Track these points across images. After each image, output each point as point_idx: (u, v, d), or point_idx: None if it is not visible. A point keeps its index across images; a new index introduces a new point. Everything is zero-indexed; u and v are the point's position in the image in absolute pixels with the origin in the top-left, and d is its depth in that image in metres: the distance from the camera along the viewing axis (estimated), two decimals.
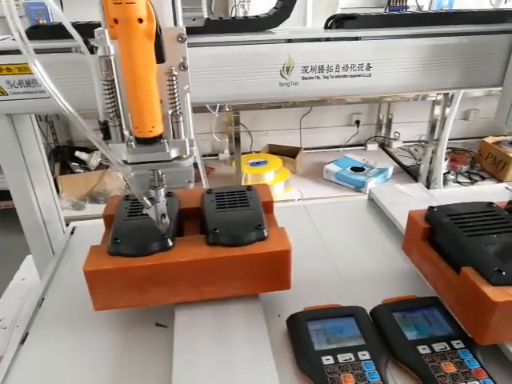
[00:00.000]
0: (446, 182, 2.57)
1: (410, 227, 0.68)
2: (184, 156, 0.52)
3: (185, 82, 0.51)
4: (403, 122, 3.01)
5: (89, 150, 2.58)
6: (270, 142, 3.02)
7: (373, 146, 3.01)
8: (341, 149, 3.05)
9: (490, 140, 2.70)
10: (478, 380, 0.50)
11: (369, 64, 0.65)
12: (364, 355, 0.53)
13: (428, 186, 2.48)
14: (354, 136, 3.06)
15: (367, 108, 3.00)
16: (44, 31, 0.64)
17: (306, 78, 0.65)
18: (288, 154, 2.91)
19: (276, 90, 0.65)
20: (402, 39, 0.65)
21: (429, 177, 2.52)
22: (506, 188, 0.99)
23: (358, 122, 3.01)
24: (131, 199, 0.69)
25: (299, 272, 0.64)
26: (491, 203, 0.65)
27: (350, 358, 0.53)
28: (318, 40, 0.64)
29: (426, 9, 2.31)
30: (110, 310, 0.61)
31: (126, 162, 0.50)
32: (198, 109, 2.31)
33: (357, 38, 0.65)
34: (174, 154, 0.50)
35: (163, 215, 0.57)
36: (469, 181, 2.59)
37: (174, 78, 0.48)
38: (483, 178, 2.60)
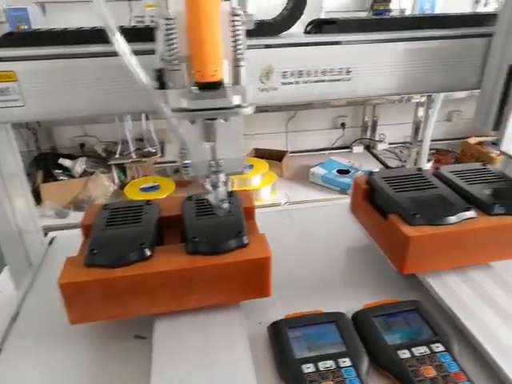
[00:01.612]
0: None
1: (354, 190, 0.80)
2: (244, 104, 0.48)
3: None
4: (388, 123, 3.04)
5: (73, 156, 2.55)
6: (256, 146, 3.02)
7: (358, 149, 3.03)
8: (327, 151, 3.06)
9: (472, 141, 2.74)
10: (457, 383, 0.50)
11: (348, 68, 0.65)
12: (345, 362, 0.53)
13: None
14: (339, 139, 3.08)
15: (352, 111, 3.02)
16: (18, 38, 0.63)
17: (285, 84, 0.64)
18: (274, 157, 2.91)
19: (255, 96, 0.64)
20: (380, 43, 0.65)
21: None
22: None
23: (343, 125, 3.03)
24: (110, 208, 0.68)
25: (281, 278, 0.64)
26: (420, 168, 0.78)
27: (331, 366, 0.52)
28: (297, 45, 0.64)
29: (408, 12, 2.34)
30: (87, 323, 0.59)
31: (185, 110, 0.46)
32: None
33: (336, 43, 0.65)
34: (236, 100, 0.47)
35: (222, 200, 0.56)
36: None
37: (237, 17, 0.45)
38: None
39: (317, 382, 0.50)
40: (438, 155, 2.84)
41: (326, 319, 0.59)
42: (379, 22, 0.69)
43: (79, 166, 2.49)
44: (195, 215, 0.65)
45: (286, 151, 2.99)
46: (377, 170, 2.67)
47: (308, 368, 0.52)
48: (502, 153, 0.67)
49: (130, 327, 0.62)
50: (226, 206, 0.57)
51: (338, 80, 0.65)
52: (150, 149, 2.48)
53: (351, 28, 0.67)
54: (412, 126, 2.52)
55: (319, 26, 0.68)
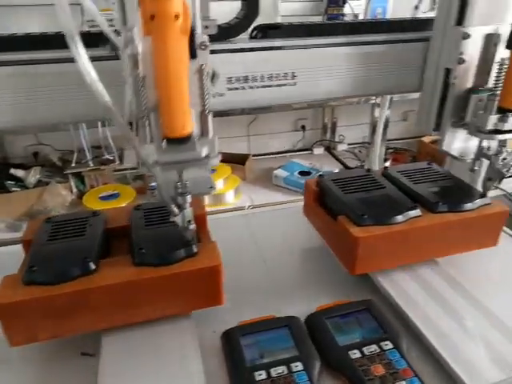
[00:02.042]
0: None
1: (306, 193, 0.81)
2: (212, 155, 0.51)
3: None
4: (347, 125, 3.10)
5: (25, 166, 2.44)
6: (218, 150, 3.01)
7: (319, 150, 3.08)
8: (288, 154, 3.09)
9: (427, 139, 2.84)
10: (404, 380, 0.51)
11: (294, 73, 0.66)
12: (297, 366, 0.53)
13: None
14: (300, 141, 3.11)
15: (312, 113, 3.07)
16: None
17: (231, 89, 0.64)
18: (237, 161, 2.91)
19: None
20: (324, 48, 0.66)
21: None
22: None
23: (303, 127, 3.07)
24: (52, 222, 0.65)
25: (236, 284, 0.63)
26: (369, 169, 0.80)
27: (283, 371, 0.52)
28: (242, 50, 0.64)
29: (361, 16, 2.41)
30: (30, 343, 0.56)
31: (156, 164, 0.49)
32: None
33: (281, 48, 0.65)
34: (204, 152, 0.49)
35: (189, 221, 0.55)
36: None
37: (205, 74, 0.48)
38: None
39: None
40: (395, 154, 2.93)
41: (279, 324, 0.59)
42: (323, 27, 0.71)
43: (33, 176, 2.39)
44: (143, 225, 0.64)
45: (248, 154, 3.00)
46: (337, 170, 2.73)
47: (260, 375, 0.52)
48: (443, 152, 0.70)
49: (76, 344, 0.59)
50: (192, 227, 0.56)
51: (284, 85, 0.66)
52: (108, 156, 2.41)
53: (296, 33, 0.68)
54: (369, 126, 2.59)
55: (264, 31, 0.68)
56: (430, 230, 0.65)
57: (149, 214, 0.66)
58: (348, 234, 0.63)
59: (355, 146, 3.09)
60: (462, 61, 0.61)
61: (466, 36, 0.60)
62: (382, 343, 0.56)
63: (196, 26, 0.48)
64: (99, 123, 2.15)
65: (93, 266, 0.55)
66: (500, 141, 0.65)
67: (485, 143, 0.67)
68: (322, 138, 3.15)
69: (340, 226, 0.65)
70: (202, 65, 0.48)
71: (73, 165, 2.39)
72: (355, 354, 0.54)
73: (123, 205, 2.23)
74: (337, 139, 3.10)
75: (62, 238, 0.61)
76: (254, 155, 3.05)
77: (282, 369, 0.52)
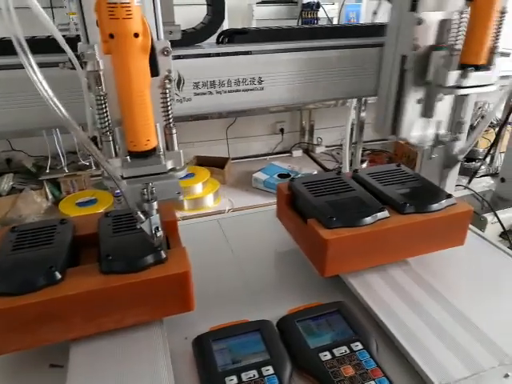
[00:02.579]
0: None
1: (278, 196, 0.81)
2: (178, 167, 0.52)
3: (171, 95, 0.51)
4: (325, 127, 3.14)
5: None
6: (197, 154, 3.00)
7: (298, 153, 3.10)
8: (268, 157, 3.10)
9: (403, 141, 2.89)
10: (374, 380, 0.51)
11: (260, 78, 0.66)
12: (268, 370, 0.53)
13: None
14: (279, 144, 3.13)
15: (290, 116, 3.09)
16: None
17: (198, 94, 0.64)
18: (216, 164, 2.90)
19: None
20: (287, 53, 0.67)
21: None
22: None
23: (282, 130, 3.09)
24: (18, 231, 0.63)
25: (208, 289, 0.63)
26: (339, 172, 0.81)
27: (254, 375, 0.52)
28: (208, 55, 0.64)
29: (335, 21, 2.44)
30: None
31: (122, 178, 0.50)
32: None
33: (247, 53, 0.65)
34: (169, 165, 0.51)
35: (157, 228, 0.55)
36: None
37: (167, 90, 0.48)
38: None
39: None
40: (372, 155, 2.97)
41: (250, 328, 0.59)
42: (288, 32, 0.71)
43: (6, 183, 2.34)
44: (112, 232, 0.63)
45: (227, 158, 3.00)
46: (315, 172, 2.75)
47: (231, 380, 0.52)
48: (402, 139, 0.71)
49: (45, 355, 0.58)
50: (160, 234, 0.55)
51: (252, 89, 0.66)
52: (84, 162, 2.37)
53: (262, 38, 0.68)
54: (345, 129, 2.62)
55: (231, 36, 0.68)
56: (398, 231, 0.66)
57: (118, 220, 0.65)
58: (318, 237, 0.63)
59: (333, 148, 3.12)
60: (416, 47, 0.61)
61: (420, 21, 0.60)
62: (353, 344, 0.56)
63: (159, 31, 0.48)
64: None
65: (58, 276, 0.53)
66: (457, 127, 0.67)
67: (441, 131, 0.69)
68: (301, 140, 3.17)
69: (310, 228, 0.66)
70: (165, 80, 0.48)
71: (47, 171, 2.34)
72: (326, 356, 0.55)
73: (101, 210, 2.20)
74: (315, 142, 3.13)
75: (28, 247, 0.59)
76: (234, 158, 3.05)
77: (252, 373, 0.52)
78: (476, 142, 2.91)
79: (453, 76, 0.59)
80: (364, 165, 2.76)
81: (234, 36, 0.68)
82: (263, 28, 0.71)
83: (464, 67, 0.59)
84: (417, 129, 0.70)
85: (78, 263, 0.61)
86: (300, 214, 0.74)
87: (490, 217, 0.88)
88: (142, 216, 0.53)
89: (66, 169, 2.34)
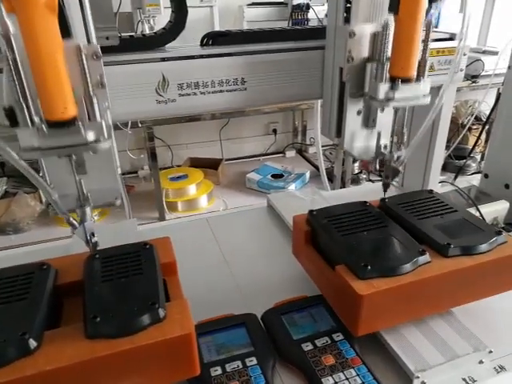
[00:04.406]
0: (358, 181, 2.74)
1: (295, 231, 0.71)
2: (101, 138, 0.47)
3: (104, 100, 0.50)
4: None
5: None
6: (191, 155, 3.02)
7: (291, 153, 3.13)
8: (261, 157, 3.13)
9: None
10: (353, 368, 0.53)
11: (243, 78, 0.68)
12: (251, 361, 0.55)
13: (344, 186, 2.63)
14: (272, 144, 3.16)
15: (282, 116, 3.12)
16: None
17: (182, 95, 0.66)
18: (210, 165, 2.93)
19: (154, 108, 0.65)
20: (267, 54, 0.69)
21: (343, 177, 2.67)
22: (391, 184, 1.08)
23: (275, 131, 3.11)
24: None
25: (196, 285, 0.64)
26: (365, 202, 0.70)
27: (238, 366, 0.54)
28: (192, 57, 0.66)
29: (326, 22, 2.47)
30: None
31: (38, 149, 0.45)
32: (113, 126, 2.24)
33: (229, 54, 0.67)
34: (90, 136, 0.46)
35: (92, 234, 0.53)
36: (379, 178, 2.79)
37: (83, 55, 0.45)
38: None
39: (223, 383, 0.52)
40: (367, 162, 2.99)
41: (236, 322, 0.61)
42: (260, 34, 0.73)
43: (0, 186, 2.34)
44: (100, 280, 0.53)
45: (221, 159, 3.02)
46: (308, 172, 2.76)
47: (216, 371, 0.53)
48: (345, 151, 0.70)
49: None
50: (95, 240, 0.54)
51: (235, 90, 0.68)
52: None
53: (244, 40, 0.70)
54: None
55: (214, 38, 0.70)
56: (443, 279, 0.56)
57: (107, 264, 0.56)
58: (349, 290, 0.53)
59: (326, 148, 3.15)
60: (350, 59, 0.61)
61: (352, 34, 0.60)
62: (334, 335, 0.58)
63: (89, 35, 0.50)
64: None
65: (33, 344, 0.44)
66: (399, 138, 0.65)
67: (382, 141, 0.66)
68: (294, 140, 3.20)
69: (339, 277, 0.55)
70: (79, 44, 0.45)
71: (41, 175, 2.35)
72: (308, 347, 0.57)
73: (95, 213, 2.20)
74: (308, 142, 3.16)
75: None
76: (227, 159, 3.08)
77: (236, 364, 0.54)
78: (465, 140, 2.95)
79: (383, 88, 0.58)
80: (356, 164, 2.78)
81: (218, 38, 0.70)
82: (245, 30, 0.73)
83: (394, 80, 0.58)
84: (359, 140, 0.68)
85: (59, 318, 0.53)
86: (323, 254, 0.64)
87: (472, 211, 0.90)
88: (75, 222, 0.52)
89: None
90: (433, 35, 0.79)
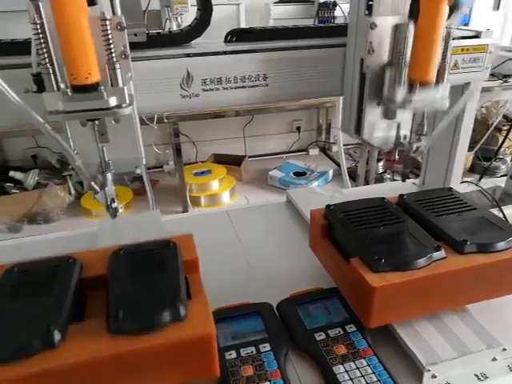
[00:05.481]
0: (382, 180, 2.71)
1: (312, 225, 0.72)
2: (124, 105, 0.50)
3: (127, 70, 0.52)
4: None
5: (24, 169, 2.49)
6: (215, 152, 3.06)
7: (314, 151, 3.12)
8: (284, 155, 3.13)
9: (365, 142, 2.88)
10: (364, 358, 0.55)
11: (265, 74, 0.70)
12: (265, 347, 0.56)
13: (367, 185, 2.61)
14: (296, 142, 3.16)
15: (307, 114, 3.11)
16: None
17: (206, 90, 0.68)
18: (233, 162, 2.96)
19: (178, 102, 0.68)
20: (283, 51, 0.70)
21: (367, 176, 2.65)
22: (413, 183, 1.08)
23: (298, 129, 3.11)
24: (15, 272, 0.55)
25: (215, 275, 0.65)
26: (383, 198, 0.70)
27: (252, 351, 0.56)
28: (216, 54, 0.68)
29: None
30: None
31: (63, 112, 0.48)
32: (140, 121, 2.30)
33: (252, 51, 0.69)
34: (112, 101, 0.48)
35: (113, 200, 0.56)
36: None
37: (107, 22, 0.47)
38: (417, 176, 2.76)
39: (237, 366, 0.54)
40: (389, 154, 2.95)
41: (252, 310, 0.63)
42: (292, 32, 0.74)
43: (32, 178, 2.45)
44: (123, 276, 0.54)
45: (244, 156, 3.05)
46: (331, 170, 2.76)
47: (230, 355, 0.56)
48: (364, 141, 0.70)
49: None
50: (115, 205, 0.57)
51: (257, 86, 0.70)
52: None
53: (266, 37, 0.72)
54: None
55: (238, 35, 0.72)
56: (457, 276, 0.56)
57: (131, 260, 0.57)
58: (363, 282, 0.54)
59: (350, 146, 3.13)
60: (371, 50, 0.62)
61: (374, 26, 0.61)
62: (347, 326, 0.60)
63: (115, 7, 0.51)
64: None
65: (58, 337, 0.45)
66: (418, 129, 0.65)
67: (402, 132, 0.67)
68: (317, 139, 3.20)
69: (353, 270, 0.56)
70: (103, 12, 0.47)
71: (70, 167, 2.44)
72: (320, 336, 0.58)
73: (120, 205, 2.27)
74: (331, 140, 3.15)
75: (25, 295, 0.51)
76: (250, 156, 3.10)
77: (250, 349, 0.56)
78: (495, 141, 2.87)
79: (402, 92, 0.60)
80: (380, 163, 2.75)
81: (242, 35, 0.72)
82: (268, 27, 0.75)
83: (412, 84, 0.59)
84: (379, 130, 0.69)
85: (83, 310, 0.54)
86: (339, 248, 0.65)
87: (495, 212, 0.89)
88: (96, 187, 0.55)
89: None
90: (458, 33, 0.80)
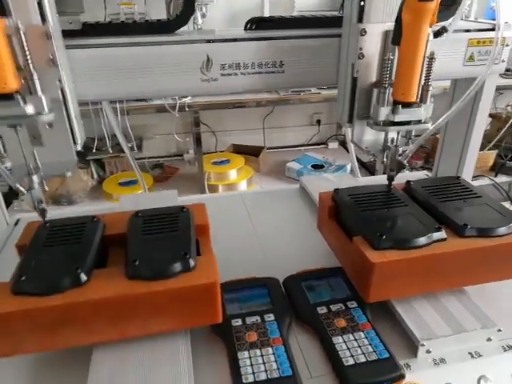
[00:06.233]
0: None
1: (320, 206, 0.75)
2: (44, 112, 0.52)
3: (56, 77, 0.56)
4: None
5: None
6: (234, 142, 3.10)
7: (333, 145, 3.12)
8: (303, 148, 3.14)
9: (440, 136, 2.85)
10: (362, 331, 0.58)
11: (281, 61, 0.73)
12: (269, 317, 0.60)
13: None
14: (315, 135, 3.16)
15: (328, 107, 3.11)
16: None
17: (224, 75, 0.72)
18: (252, 153, 2.99)
19: (197, 85, 0.72)
20: (300, 39, 0.72)
21: (385, 172, 2.64)
22: (426, 175, 1.09)
23: (318, 122, 3.12)
24: (49, 227, 0.63)
25: (225, 251, 0.68)
26: (390, 184, 0.71)
27: (257, 320, 0.60)
28: (235, 40, 0.71)
29: None
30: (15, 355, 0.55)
31: None
32: (162, 109, 2.36)
33: (269, 38, 0.72)
34: (30, 109, 0.50)
35: (40, 201, 0.59)
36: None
37: (21, 32, 0.49)
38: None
39: (242, 332, 0.58)
40: None
41: (259, 283, 0.67)
42: (308, 20, 0.77)
43: None
44: (141, 234, 0.61)
45: (263, 147, 3.07)
46: (349, 164, 2.76)
47: (236, 322, 0.60)
48: (353, 143, 0.73)
49: (64, 357, 0.58)
50: (42, 207, 0.59)
51: (273, 72, 0.73)
52: (128, 144, 2.53)
53: (284, 25, 0.74)
54: None
55: (258, 23, 0.75)
56: (456, 257, 0.59)
57: (148, 221, 0.64)
58: (363, 258, 0.57)
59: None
60: (361, 56, 0.65)
61: (364, 32, 0.63)
62: (348, 302, 0.63)
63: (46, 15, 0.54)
64: (119, 111, 2.26)
65: (84, 278, 0.52)
66: (407, 133, 0.65)
67: (391, 135, 0.67)
68: (337, 132, 3.19)
69: (355, 247, 0.59)
70: (17, 23, 0.48)
71: (94, 151, 2.52)
72: (322, 310, 0.61)
73: (140, 191, 2.34)
74: None
75: (58, 244, 0.59)
76: (269, 148, 3.12)
77: (255, 318, 0.60)
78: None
79: (384, 111, 0.61)
80: None
81: (260, 23, 0.75)
82: (287, 16, 0.78)
83: (396, 104, 0.60)
84: (368, 133, 0.70)
85: (105, 262, 0.61)
86: (344, 228, 0.68)
87: (506, 205, 0.90)
88: (22, 189, 0.56)
89: (110, 150, 2.50)
90: (475, 25, 0.81)
